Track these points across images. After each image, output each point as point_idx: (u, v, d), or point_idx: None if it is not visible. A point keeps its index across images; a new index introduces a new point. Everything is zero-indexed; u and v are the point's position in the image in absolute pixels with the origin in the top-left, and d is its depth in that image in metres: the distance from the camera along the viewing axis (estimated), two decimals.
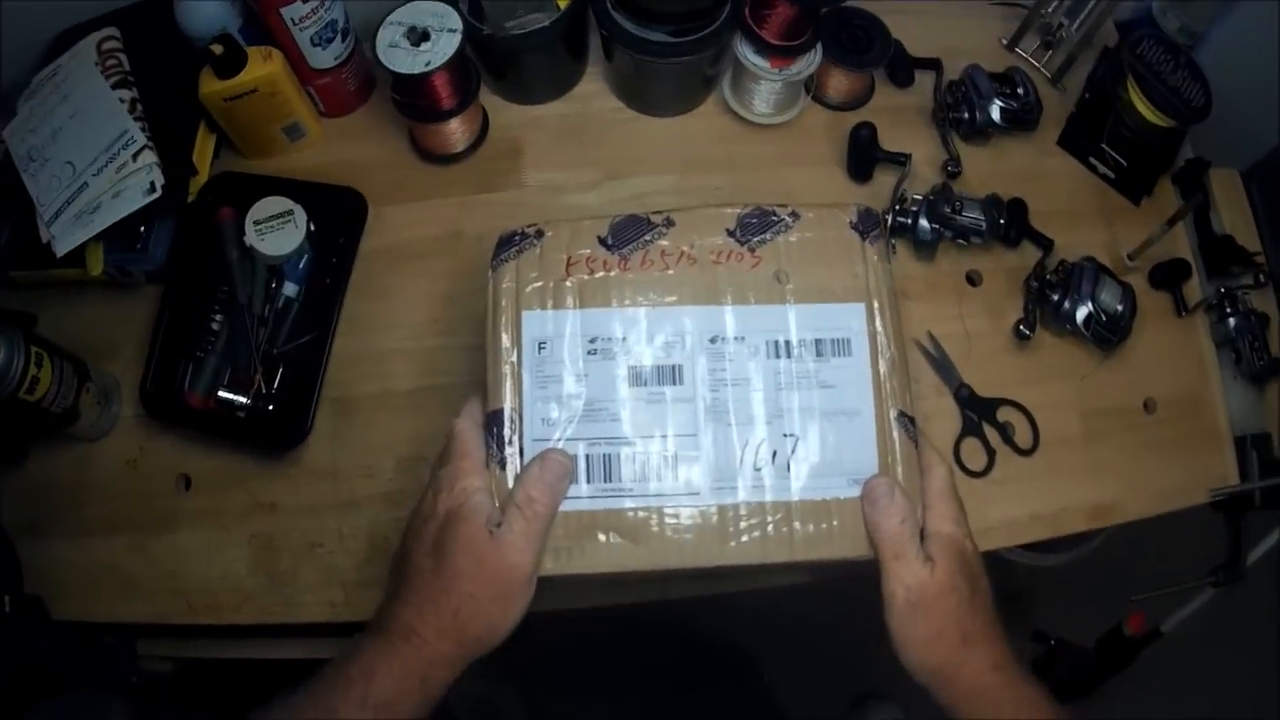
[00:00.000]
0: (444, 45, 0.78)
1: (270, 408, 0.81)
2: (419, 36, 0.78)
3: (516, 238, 0.67)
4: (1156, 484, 0.85)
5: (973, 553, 0.61)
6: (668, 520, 0.61)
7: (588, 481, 0.61)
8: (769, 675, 1.55)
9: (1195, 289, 0.91)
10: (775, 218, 0.68)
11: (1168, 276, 0.89)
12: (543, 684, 1.49)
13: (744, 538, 0.61)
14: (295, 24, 0.80)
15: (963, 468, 0.82)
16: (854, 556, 0.61)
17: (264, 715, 0.56)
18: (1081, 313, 0.83)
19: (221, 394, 0.80)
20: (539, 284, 0.66)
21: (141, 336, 0.83)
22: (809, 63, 0.86)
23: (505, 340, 0.64)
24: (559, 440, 0.62)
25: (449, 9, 0.79)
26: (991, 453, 0.82)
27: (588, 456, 0.62)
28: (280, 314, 0.83)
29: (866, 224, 0.68)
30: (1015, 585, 1.46)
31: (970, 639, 0.58)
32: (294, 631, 0.82)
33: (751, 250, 0.67)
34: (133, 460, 0.82)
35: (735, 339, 0.64)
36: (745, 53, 0.85)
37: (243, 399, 0.81)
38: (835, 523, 0.61)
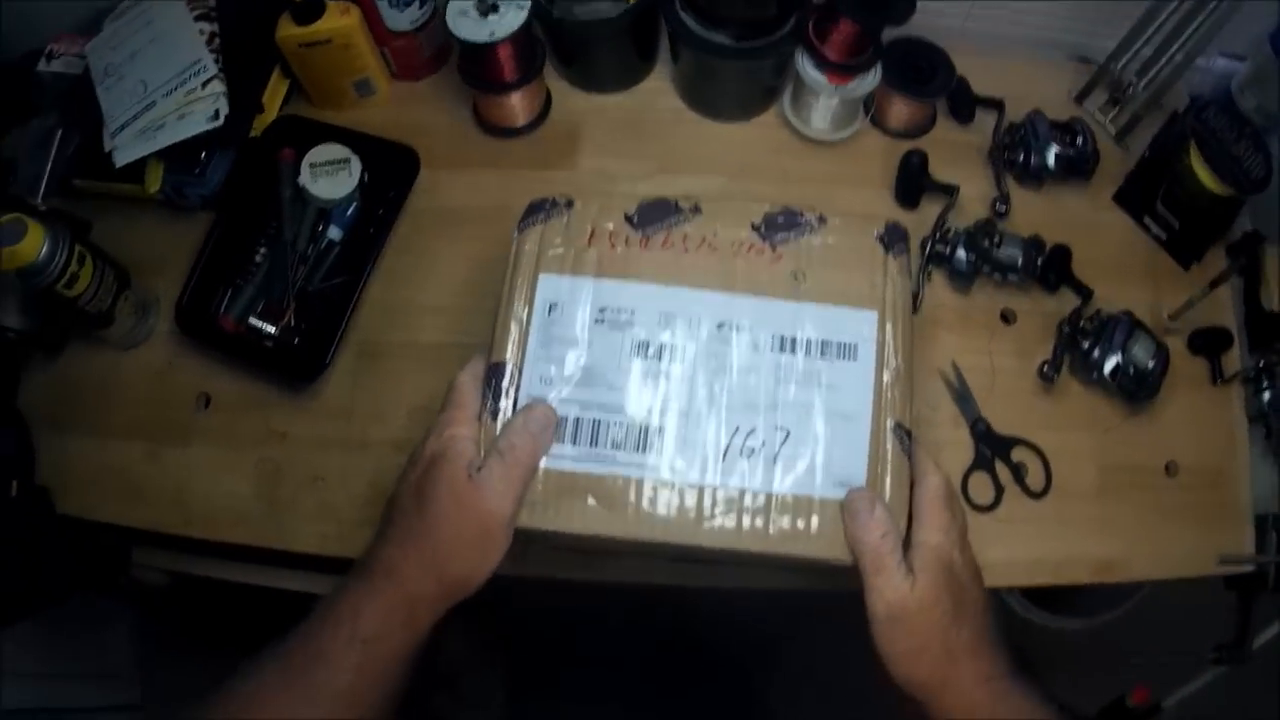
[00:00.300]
0: (511, 18, 0.80)
1: (297, 340, 0.83)
2: (488, 7, 0.81)
3: (546, 204, 0.69)
4: (1168, 548, 0.82)
5: (962, 564, 0.61)
6: (646, 493, 0.62)
7: (574, 444, 0.62)
8: (759, 679, 1.53)
9: (1235, 360, 0.89)
10: (802, 219, 0.69)
11: (1208, 343, 0.87)
12: (529, 676, 1.48)
13: (720, 521, 0.61)
14: None
15: (969, 501, 0.81)
16: (829, 558, 0.61)
17: (255, 659, 0.58)
18: (1110, 363, 0.81)
19: (253, 321, 0.83)
20: (560, 250, 0.67)
21: (187, 258, 0.86)
22: (867, 83, 0.87)
23: (519, 298, 0.66)
24: (554, 398, 0.63)
25: None
26: (1000, 490, 0.81)
27: (578, 419, 0.63)
28: (321, 254, 0.86)
29: (892, 238, 0.69)
30: (1029, 647, 1.41)
31: (955, 653, 0.57)
32: (289, 563, 0.83)
33: (773, 247, 0.68)
34: (160, 372, 0.85)
35: (742, 328, 0.65)
36: (805, 66, 0.86)
37: (272, 328, 0.83)
38: (815, 522, 0.61)
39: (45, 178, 0.87)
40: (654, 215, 0.68)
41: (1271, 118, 0.98)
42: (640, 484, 0.62)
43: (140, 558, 0.88)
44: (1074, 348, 0.83)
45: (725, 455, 0.62)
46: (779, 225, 0.68)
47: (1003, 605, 1.17)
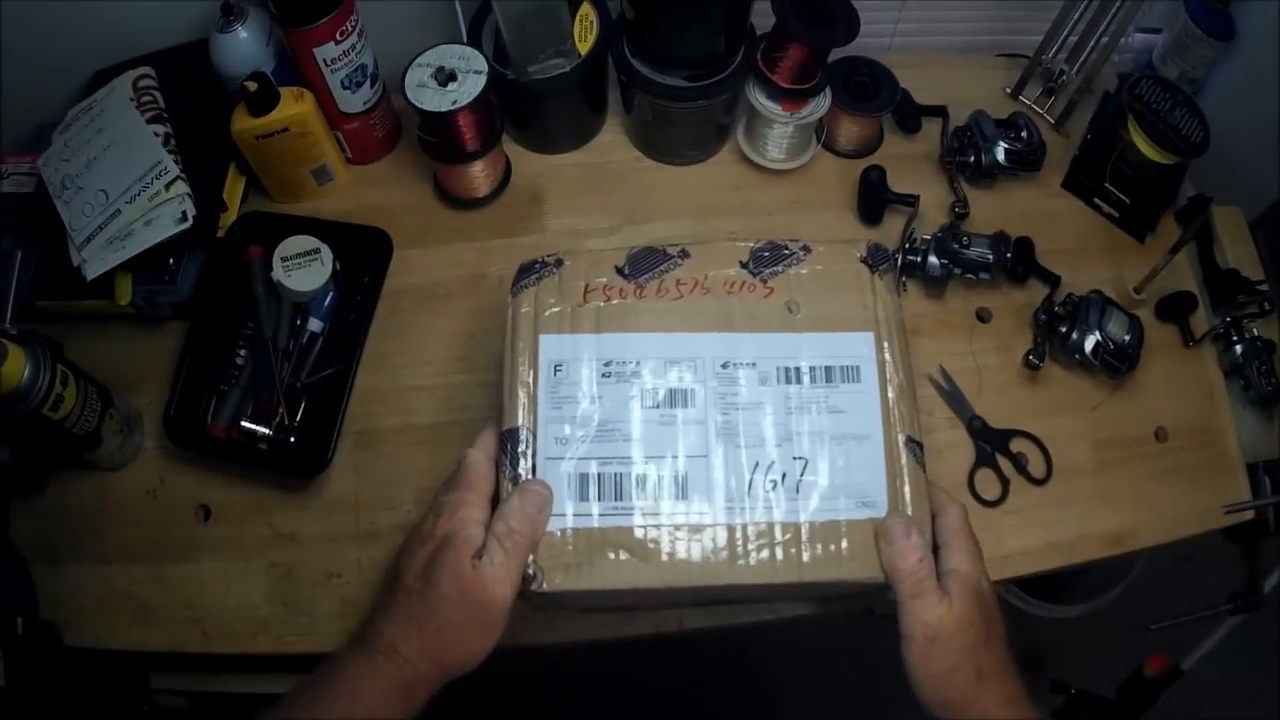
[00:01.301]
0: (470, 86, 0.81)
1: (292, 439, 0.82)
2: (446, 77, 0.81)
3: (537, 265, 0.70)
4: (1170, 511, 0.85)
5: (988, 590, 0.62)
6: (677, 539, 0.62)
7: (598, 500, 0.63)
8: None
9: (1202, 321, 0.92)
10: (787, 251, 0.70)
11: (1174, 308, 0.91)
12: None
13: (752, 558, 0.62)
14: (327, 65, 0.83)
15: (978, 498, 0.83)
16: (862, 578, 0.62)
17: None
18: (1089, 342, 0.84)
19: (244, 424, 0.82)
20: (556, 309, 0.68)
21: (166, 371, 0.84)
22: (819, 106, 0.89)
23: (523, 362, 0.66)
24: (572, 458, 0.63)
25: (475, 52, 0.82)
26: (1005, 483, 0.83)
27: (599, 475, 0.63)
28: (305, 348, 0.85)
29: (876, 258, 0.70)
30: (1035, 638, 1.44)
31: (985, 675, 0.59)
32: (310, 665, 0.82)
33: (764, 281, 0.69)
34: (153, 490, 0.83)
35: (747, 365, 0.66)
36: (758, 97, 0.88)
37: (265, 430, 0.82)
38: (844, 544, 0.62)
39: (10, 301, 0.85)
40: (645, 264, 0.69)
41: (1197, 82, 1.03)
42: (670, 531, 0.62)
43: (158, 683, 0.85)
44: (1053, 333, 0.86)
45: (749, 491, 0.63)
46: (766, 259, 0.70)
47: (1001, 604, 1.19)
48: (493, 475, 0.64)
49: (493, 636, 0.59)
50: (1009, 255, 0.87)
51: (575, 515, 0.62)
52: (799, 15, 0.81)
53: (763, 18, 0.84)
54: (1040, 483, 0.84)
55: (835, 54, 0.89)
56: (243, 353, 0.85)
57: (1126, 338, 0.85)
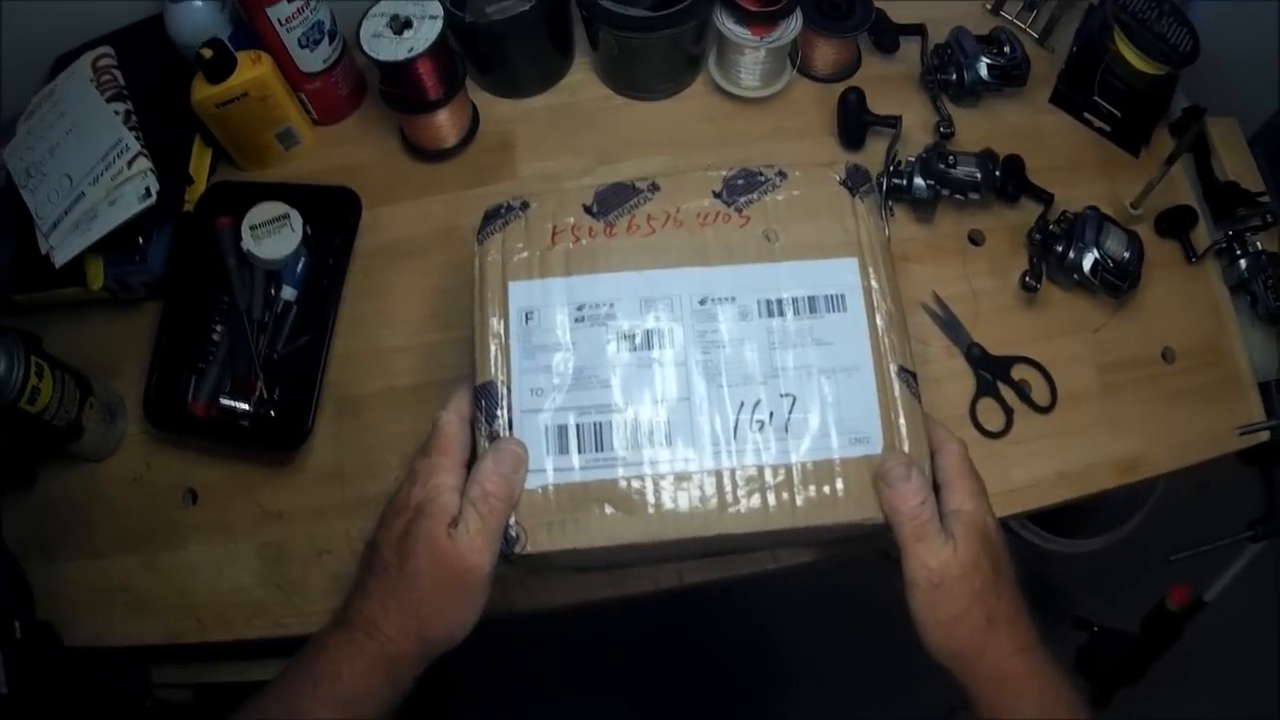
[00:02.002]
0: (426, 31, 0.79)
1: (272, 412, 0.80)
2: (401, 25, 0.79)
3: (502, 210, 0.67)
4: (1183, 435, 0.82)
5: (995, 529, 0.60)
6: (663, 489, 0.59)
7: (579, 452, 0.60)
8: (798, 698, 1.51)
9: (1203, 236, 0.89)
10: (762, 178, 0.68)
11: (1174, 223, 0.88)
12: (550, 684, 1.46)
13: (743, 505, 0.59)
14: (282, 24, 0.81)
15: (981, 429, 0.80)
16: (861, 520, 0.59)
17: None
18: (1088, 260, 0.81)
19: (224, 401, 0.80)
20: (525, 254, 0.65)
21: (144, 352, 0.83)
22: (789, 29, 0.86)
23: (493, 313, 0.64)
24: (549, 410, 0.61)
25: None
26: (1009, 412, 0.80)
27: (578, 426, 0.61)
28: (279, 318, 0.83)
29: (855, 180, 0.67)
30: (1055, 575, 1.42)
31: (995, 620, 0.56)
32: None
33: (739, 211, 0.66)
34: (139, 477, 0.82)
35: (725, 299, 0.64)
36: (726, 23, 0.85)
37: (245, 405, 0.80)
38: (840, 485, 0.59)
39: None
40: (613, 201, 0.67)
41: None
42: (655, 481, 0.59)
43: (159, 676, 0.84)
44: (1048, 253, 0.83)
45: (735, 434, 0.60)
46: (740, 188, 0.67)
47: (1018, 541, 1.17)
48: (467, 437, 0.61)
49: (475, 607, 0.57)
50: (998, 173, 0.84)
51: (556, 470, 0.60)
52: None
53: None
54: (1045, 410, 0.81)
55: None
56: (218, 328, 0.83)
57: (1126, 254, 0.82)
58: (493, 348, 0.63)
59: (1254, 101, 0.98)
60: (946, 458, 0.61)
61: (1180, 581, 1.04)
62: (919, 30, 0.94)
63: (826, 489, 0.59)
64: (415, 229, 0.88)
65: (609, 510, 0.59)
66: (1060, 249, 0.82)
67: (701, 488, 0.59)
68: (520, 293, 0.64)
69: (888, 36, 0.93)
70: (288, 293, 0.83)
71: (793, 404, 0.61)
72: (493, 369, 0.62)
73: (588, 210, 0.67)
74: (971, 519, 0.58)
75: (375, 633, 0.56)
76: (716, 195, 0.67)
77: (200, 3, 0.82)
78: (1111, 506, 1.24)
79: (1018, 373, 0.82)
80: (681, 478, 0.59)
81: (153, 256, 0.84)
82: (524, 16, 0.82)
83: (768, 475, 0.59)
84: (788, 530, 0.59)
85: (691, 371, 0.62)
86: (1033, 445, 0.80)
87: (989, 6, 0.99)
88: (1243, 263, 0.87)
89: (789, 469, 0.59)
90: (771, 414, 0.61)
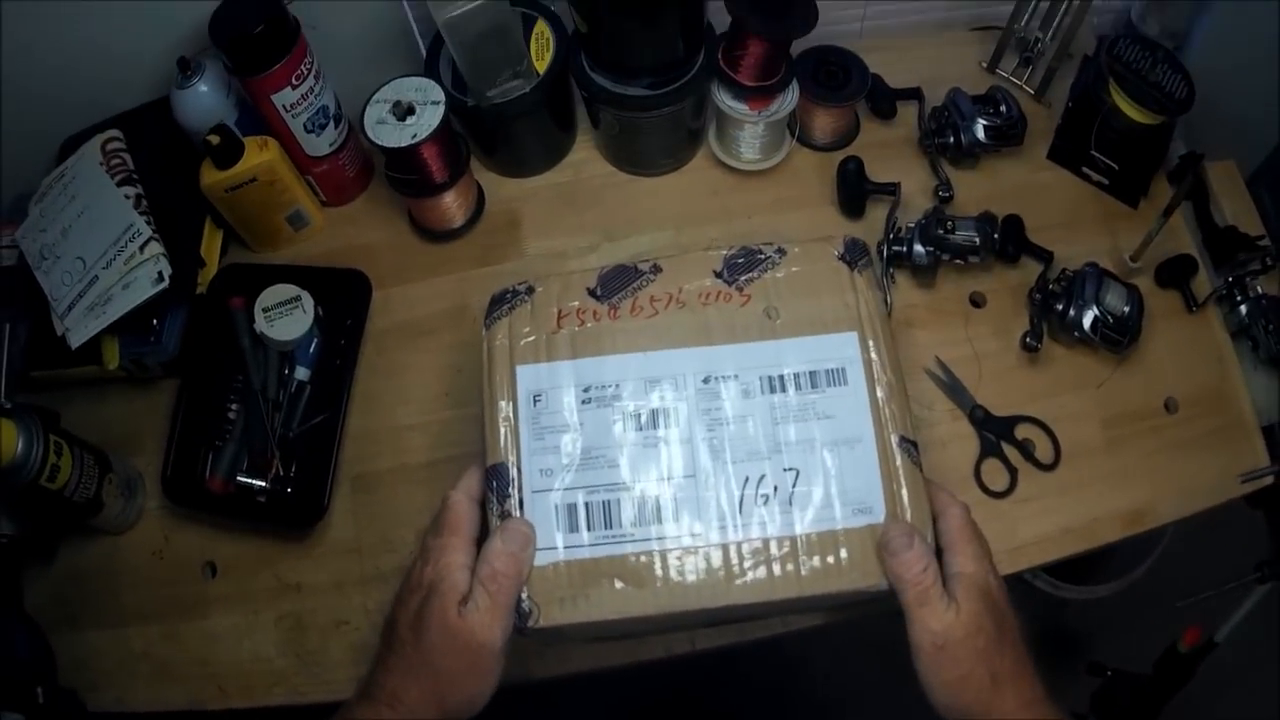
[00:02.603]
0: (429, 117, 0.80)
1: (289, 489, 0.82)
2: (404, 111, 0.81)
3: (508, 295, 0.69)
4: (1188, 483, 0.82)
5: (998, 589, 0.61)
6: (671, 563, 0.61)
7: (588, 530, 0.62)
8: None
9: (1204, 283, 0.90)
10: (762, 255, 0.69)
11: (1174, 274, 0.88)
12: None
13: (749, 575, 0.60)
14: (287, 110, 0.82)
15: (985, 490, 0.81)
16: (864, 588, 0.60)
17: None
18: (1088, 318, 0.82)
19: (241, 478, 0.82)
20: (531, 338, 0.67)
21: (161, 430, 0.85)
22: (787, 102, 0.87)
23: (501, 396, 0.65)
24: (559, 489, 0.63)
25: (430, 82, 0.81)
26: (1013, 471, 0.81)
27: (587, 504, 0.62)
28: (294, 397, 0.85)
29: (854, 254, 0.69)
30: (1068, 621, 1.42)
31: (999, 679, 0.57)
32: (327, 713, 0.82)
33: (740, 289, 0.68)
34: (158, 550, 0.84)
35: (729, 377, 0.65)
36: (724, 100, 0.86)
37: (261, 482, 0.82)
38: (843, 554, 0.61)
39: (3, 375, 0.85)
40: (616, 284, 0.68)
41: (1177, 37, 1.00)
42: (663, 556, 0.61)
43: None
44: (1049, 312, 0.84)
45: (741, 508, 0.62)
46: (740, 266, 0.69)
47: (1031, 589, 1.17)
48: (476, 515, 0.63)
49: (490, 680, 0.59)
50: (997, 236, 0.85)
51: (566, 547, 0.61)
52: (754, 10, 0.79)
53: (721, 15, 0.82)
54: (1049, 468, 0.81)
55: (801, 45, 0.87)
56: (234, 406, 0.85)
57: (1126, 309, 0.83)
58: (502, 429, 0.64)
59: (1255, 136, 0.98)
60: (949, 521, 0.62)
61: (1193, 622, 1.04)
62: (915, 94, 0.95)
63: (830, 559, 0.60)
64: (425, 308, 0.90)
65: (619, 584, 0.60)
66: (1061, 308, 0.83)
67: (708, 560, 0.61)
68: (528, 376, 0.66)
69: (885, 103, 0.94)
70: (301, 373, 0.85)
71: (796, 477, 0.62)
72: (503, 450, 0.64)
73: (591, 293, 0.68)
74: (974, 581, 0.59)
75: (398, 705, 0.58)
76: (718, 275, 0.68)
77: (205, 88, 0.83)
78: (1123, 551, 1.24)
79: (1021, 432, 0.82)
80: (689, 551, 0.61)
81: (167, 337, 0.86)
82: (525, 98, 0.83)
83: (773, 547, 0.61)
84: (794, 599, 0.61)
85: (697, 448, 0.63)
86: (1037, 503, 0.81)
87: (984, 65, 0.99)
88: (1243, 308, 0.87)
89: (794, 540, 0.61)
90: (776, 487, 0.62)
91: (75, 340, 0.82)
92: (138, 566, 0.83)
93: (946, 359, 0.85)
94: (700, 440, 0.63)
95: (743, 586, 0.60)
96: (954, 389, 0.84)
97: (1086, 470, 0.82)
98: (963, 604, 0.58)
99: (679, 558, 0.61)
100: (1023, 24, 0.96)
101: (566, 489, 0.63)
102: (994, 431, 0.82)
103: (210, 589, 0.82)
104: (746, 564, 0.60)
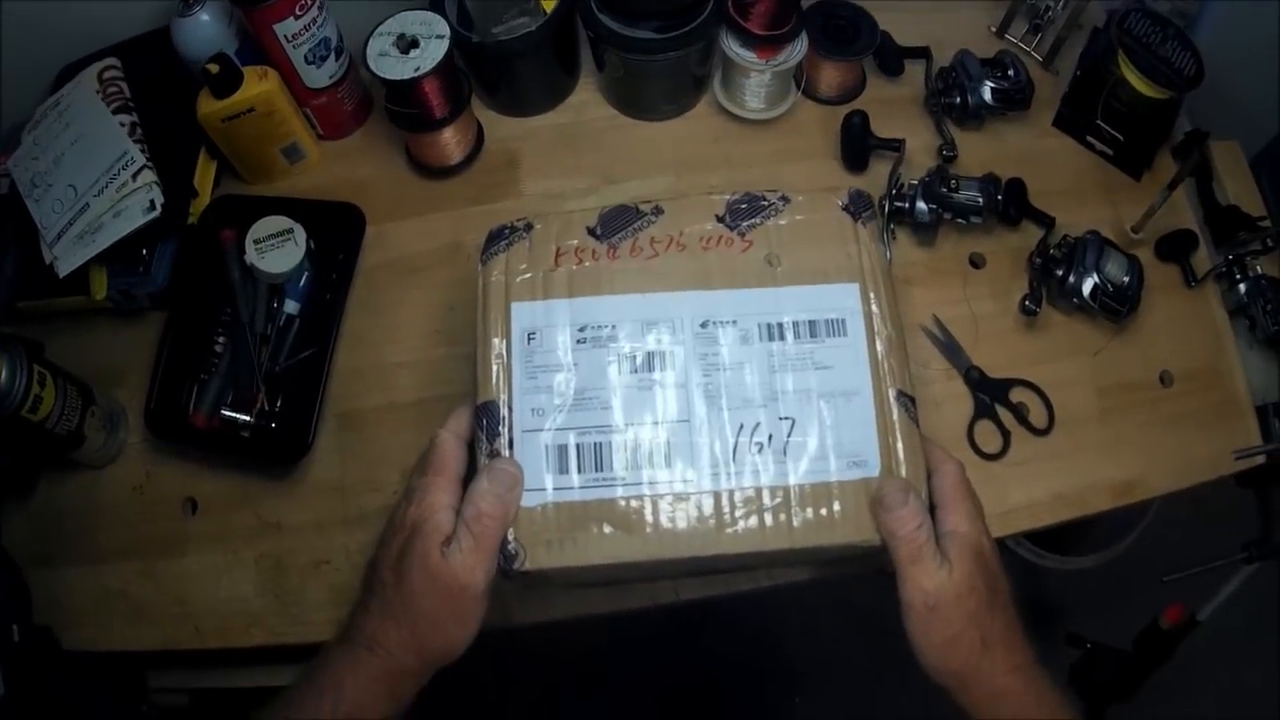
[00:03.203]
0: (432, 50, 0.79)
1: (273, 425, 0.81)
2: (407, 44, 0.79)
3: (506, 231, 0.68)
4: (1180, 457, 0.82)
5: (990, 550, 0.60)
6: (662, 509, 0.60)
7: (578, 472, 0.61)
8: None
9: (1204, 259, 0.89)
10: (765, 202, 0.68)
11: (1174, 248, 0.88)
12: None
13: (741, 525, 0.60)
14: (289, 41, 0.81)
15: (978, 451, 0.80)
16: (857, 542, 0.59)
17: None
18: (1088, 285, 0.81)
19: (225, 413, 0.81)
20: (528, 275, 0.66)
21: (147, 363, 0.83)
22: (795, 52, 0.86)
23: (495, 333, 0.64)
24: (550, 430, 0.62)
25: (436, 16, 0.80)
26: (1006, 434, 0.81)
27: (578, 445, 0.61)
28: (282, 331, 0.83)
29: (858, 205, 0.68)
30: (1049, 591, 1.43)
31: (989, 641, 0.57)
32: (305, 655, 0.81)
33: (741, 235, 0.67)
34: (139, 486, 0.82)
35: (727, 323, 0.64)
36: (732, 46, 0.85)
37: (246, 417, 0.81)
38: (836, 507, 0.60)
39: None
40: (617, 224, 0.67)
41: (1188, 15, 0.99)
42: (654, 501, 0.60)
43: (155, 681, 0.85)
44: (1049, 277, 0.84)
45: (735, 455, 0.61)
46: (743, 212, 0.68)
47: (1013, 558, 1.17)
48: (463, 455, 0.62)
49: (471, 624, 0.58)
50: (1000, 197, 0.84)
51: (555, 489, 0.60)
52: None
53: None
54: (1043, 433, 0.81)
55: None
56: (221, 340, 0.84)
57: (1126, 279, 0.82)
58: (495, 367, 0.63)
59: (1257, 121, 0.98)
60: (943, 479, 0.61)
61: (1175, 599, 1.04)
62: (924, 53, 0.94)
63: (824, 511, 0.60)
64: (419, 245, 0.88)
65: (608, 529, 0.60)
66: (1060, 273, 0.82)
67: (700, 508, 0.60)
68: (523, 313, 0.65)
69: (892, 60, 0.94)
70: (290, 306, 0.83)
71: (791, 427, 0.61)
72: (494, 388, 0.63)
73: (591, 232, 0.67)
74: (967, 540, 0.58)
75: (376, 648, 0.57)
76: (719, 219, 0.67)
77: (207, 17, 0.82)
78: (1106, 524, 1.24)
79: (1016, 395, 0.82)
80: (680, 498, 0.60)
81: (156, 268, 0.84)
82: (530, 36, 0.82)
83: (765, 497, 0.60)
84: (785, 551, 0.60)
85: (692, 393, 0.62)
86: (1030, 467, 0.81)
87: (994, 29, 0.99)
88: (1242, 287, 0.87)
89: (787, 491, 0.60)
90: (770, 436, 0.61)
91: (64, 269, 0.81)
92: (117, 502, 0.82)
93: (945, 318, 0.84)
94: (695, 385, 0.62)
95: (734, 536, 0.59)
96: (950, 349, 0.83)
97: (1080, 437, 0.82)
98: (956, 564, 0.57)
99: (670, 504, 0.60)
100: None
101: (558, 429, 0.62)
102: (988, 393, 0.82)
103: (190, 527, 0.81)
104: (738, 513, 0.60)
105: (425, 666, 0.58)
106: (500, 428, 0.62)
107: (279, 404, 0.81)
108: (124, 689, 0.83)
